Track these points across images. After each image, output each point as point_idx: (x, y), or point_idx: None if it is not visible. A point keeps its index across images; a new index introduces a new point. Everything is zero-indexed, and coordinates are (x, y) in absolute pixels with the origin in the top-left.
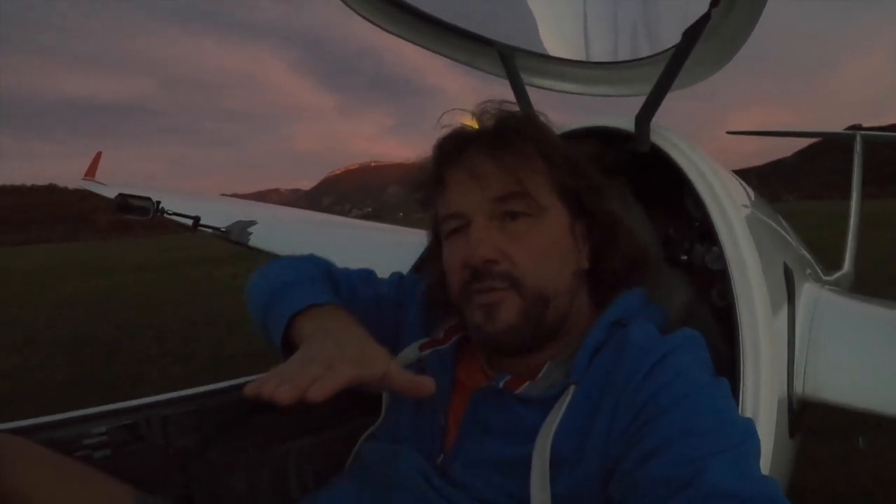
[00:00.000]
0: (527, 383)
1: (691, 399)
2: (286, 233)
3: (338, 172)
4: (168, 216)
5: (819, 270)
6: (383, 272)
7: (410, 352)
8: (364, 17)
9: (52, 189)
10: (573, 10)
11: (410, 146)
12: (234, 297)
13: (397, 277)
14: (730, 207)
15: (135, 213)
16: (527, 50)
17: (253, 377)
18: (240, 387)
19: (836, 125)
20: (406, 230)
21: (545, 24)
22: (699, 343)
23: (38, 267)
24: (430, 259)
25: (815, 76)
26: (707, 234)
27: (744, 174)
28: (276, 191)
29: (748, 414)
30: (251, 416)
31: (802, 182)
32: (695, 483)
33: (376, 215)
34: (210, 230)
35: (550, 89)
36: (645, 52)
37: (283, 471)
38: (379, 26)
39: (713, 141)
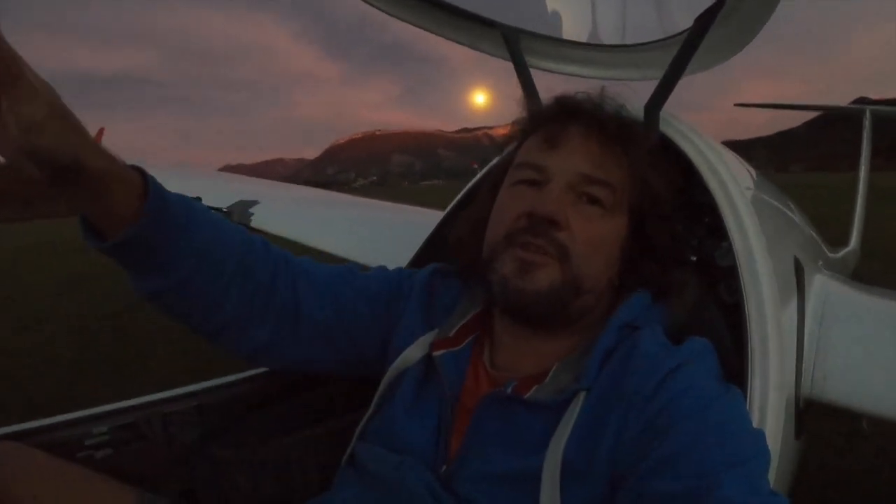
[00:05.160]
0: (535, 387)
1: (702, 412)
2: (288, 213)
3: (342, 141)
4: None
5: (826, 249)
6: (387, 251)
7: (417, 349)
8: (370, 2)
9: None
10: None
11: (416, 115)
12: None
13: (383, 271)
14: (740, 202)
15: None
16: (531, 32)
17: (252, 372)
18: (240, 382)
19: (845, 98)
20: (411, 209)
21: (551, 4)
22: (709, 353)
23: (43, 243)
24: (470, 203)
25: (825, 48)
26: (716, 228)
27: (751, 144)
28: (281, 160)
29: (755, 415)
30: (251, 411)
31: (811, 153)
32: (706, 498)
33: (381, 184)
34: (211, 210)
35: (556, 72)
36: (656, 35)
37: (285, 465)
38: (379, 8)
39: (721, 112)
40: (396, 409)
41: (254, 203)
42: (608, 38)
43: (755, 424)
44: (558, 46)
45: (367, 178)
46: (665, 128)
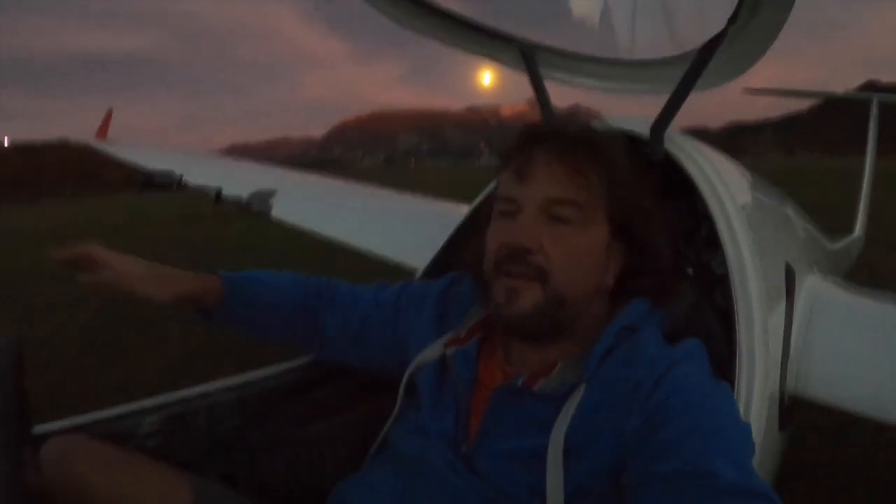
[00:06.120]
0: (542, 380)
1: (697, 405)
2: (308, 204)
3: (349, 121)
4: (190, 188)
5: (826, 242)
6: (405, 245)
7: (435, 349)
8: (388, 17)
9: (63, 145)
10: (594, 9)
11: (422, 94)
12: (246, 254)
13: (401, 286)
14: (734, 215)
15: (159, 189)
16: (548, 47)
17: (285, 366)
18: (275, 376)
19: (854, 82)
20: (430, 201)
21: (566, 21)
22: (700, 352)
23: (53, 227)
24: (478, 226)
25: (835, 31)
26: (713, 238)
27: (759, 128)
28: (287, 140)
29: (741, 408)
30: (285, 402)
31: (818, 137)
32: (708, 476)
33: (388, 163)
34: (231, 201)
35: (569, 84)
36: (665, 52)
37: (317, 450)
38: (402, 24)
39: (728, 96)
40: (422, 399)
41: (272, 194)
42: (620, 53)
43: (742, 417)
44: (572, 61)
45: (374, 158)
46: (668, 145)
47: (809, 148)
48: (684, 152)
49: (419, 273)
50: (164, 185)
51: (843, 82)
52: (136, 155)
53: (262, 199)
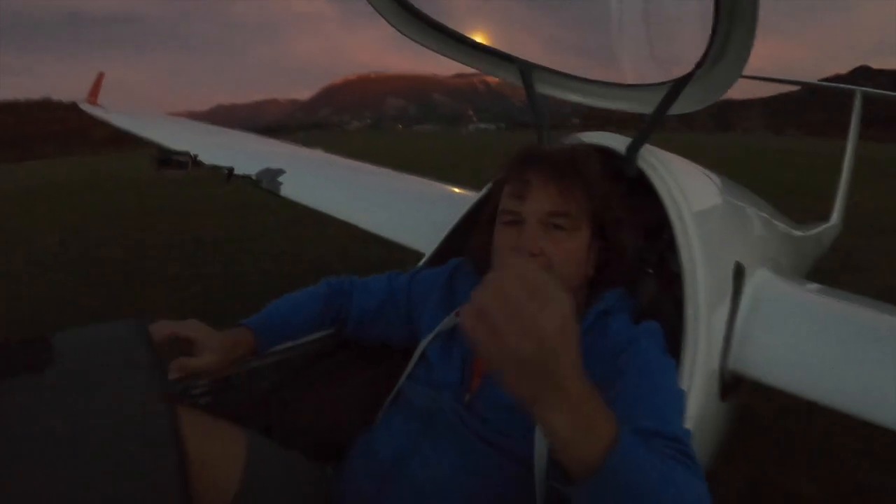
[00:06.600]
0: None
1: (645, 370)
2: (316, 184)
3: (337, 83)
4: (205, 166)
5: (793, 229)
6: (411, 227)
7: (449, 321)
8: (399, 30)
9: (46, 103)
10: (587, 36)
11: (411, 59)
12: (233, 215)
13: (411, 274)
14: (690, 224)
15: (175, 167)
16: (543, 67)
17: (312, 337)
18: (305, 344)
19: (846, 66)
20: (435, 185)
21: (560, 45)
22: (657, 332)
23: (44, 185)
24: (480, 224)
25: (828, 11)
26: (673, 241)
27: (750, 106)
28: (274, 101)
29: (686, 379)
30: (313, 366)
31: (809, 117)
32: (635, 420)
33: (375, 126)
34: (242, 179)
35: (561, 99)
36: (646, 79)
37: (337, 406)
38: (412, 38)
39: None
40: (432, 360)
41: (280, 172)
42: (607, 76)
43: (684, 386)
44: (565, 80)
45: (362, 121)
46: (640, 161)
47: (799, 128)
48: (653, 168)
49: (425, 258)
50: (179, 163)
51: (836, 66)
52: (127, 121)
53: (272, 176)
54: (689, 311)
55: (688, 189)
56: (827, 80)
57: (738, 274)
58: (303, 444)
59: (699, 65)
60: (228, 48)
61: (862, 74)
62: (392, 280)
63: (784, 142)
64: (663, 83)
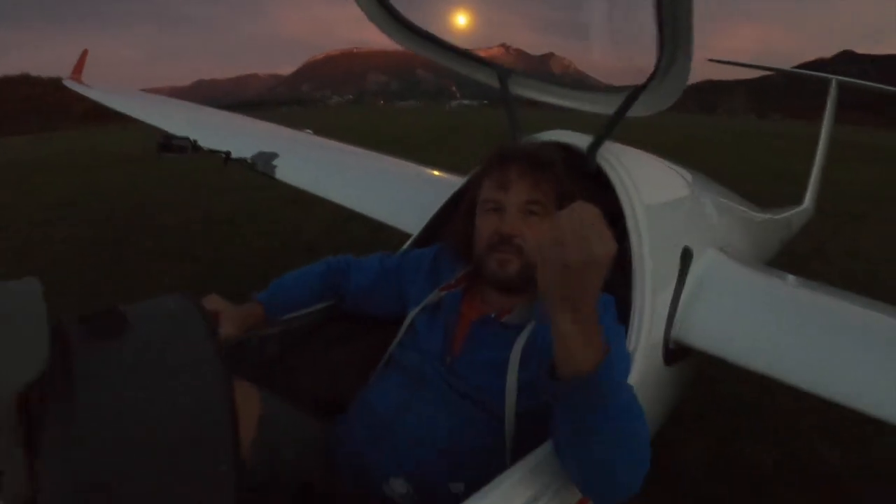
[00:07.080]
0: (507, 315)
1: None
2: (310, 167)
3: (319, 58)
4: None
5: (755, 213)
6: (399, 209)
7: (434, 295)
8: (385, 33)
9: (25, 79)
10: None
11: None
12: (219, 191)
13: (400, 255)
14: (642, 216)
15: (175, 151)
16: (519, 71)
17: (313, 308)
18: (308, 315)
19: (830, 50)
20: (423, 170)
21: (533, 51)
22: (611, 304)
23: (30, 161)
24: (460, 212)
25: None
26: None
27: (733, 87)
28: (255, 76)
29: (632, 344)
30: (314, 334)
31: (791, 101)
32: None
33: (357, 102)
34: (238, 162)
35: (535, 100)
36: (613, 82)
37: (336, 370)
38: (397, 41)
39: (694, 66)
40: (419, 328)
41: (274, 156)
42: (575, 80)
43: (631, 350)
44: (539, 82)
45: (343, 97)
46: (599, 158)
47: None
48: (610, 164)
49: (411, 238)
50: (180, 147)
51: (820, 50)
52: (110, 99)
53: (266, 159)
54: (637, 288)
55: (641, 183)
56: (810, 64)
57: (686, 256)
58: (307, 402)
59: (651, 76)
60: (209, 23)
61: (846, 59)
62: (383, 260)
63: (768, 125)
64: (624, 88)
